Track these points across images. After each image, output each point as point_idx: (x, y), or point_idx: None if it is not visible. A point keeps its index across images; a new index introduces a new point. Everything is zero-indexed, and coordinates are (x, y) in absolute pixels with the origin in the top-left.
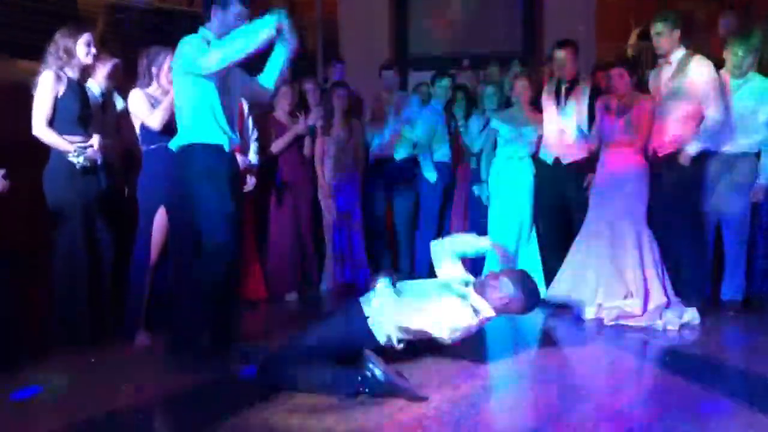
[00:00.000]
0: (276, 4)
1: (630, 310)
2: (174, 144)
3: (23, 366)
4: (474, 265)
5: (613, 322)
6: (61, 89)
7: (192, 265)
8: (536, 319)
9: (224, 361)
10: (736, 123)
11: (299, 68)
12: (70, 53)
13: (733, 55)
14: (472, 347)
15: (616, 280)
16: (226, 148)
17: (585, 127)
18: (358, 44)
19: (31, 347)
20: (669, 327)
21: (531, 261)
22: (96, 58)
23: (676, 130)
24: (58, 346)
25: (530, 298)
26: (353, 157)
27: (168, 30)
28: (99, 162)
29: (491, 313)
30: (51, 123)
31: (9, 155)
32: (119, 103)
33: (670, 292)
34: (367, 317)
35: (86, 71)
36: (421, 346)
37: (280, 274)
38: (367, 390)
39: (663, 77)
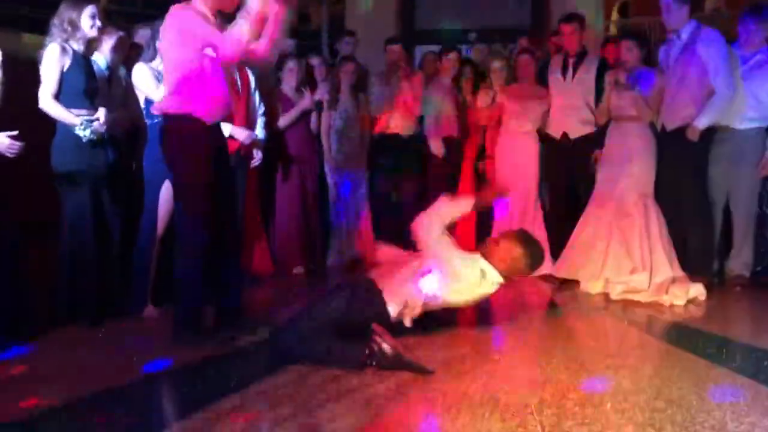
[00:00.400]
0: None
1: (636, 285)
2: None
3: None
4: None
5: (619, 297)
6: (67, 62)
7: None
8: (543, 293)
9: (230, 334)
10: (746, 97)
11: (306, 44)
12: (74, 26)
13: (744, 29)
14: (477, 322)
15: (623, 255)
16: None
17: (592, 102)
18: (364, 19)
19: (39, 319)
20: (675, 302)
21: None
22: (101, 31)
23: (684, 105)
24: (65, 318)
25: (534, 254)
26: (360, 131)
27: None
28: (105, 135)
29: (499, 278)
30: (57, 96)
31: (17, 129)
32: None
33: (677, 267)
34: (381, 290)
35: (92, 45)
36: (427, 322)
37: (286, 248)
38: (374, 363)
39: (672, 52)
